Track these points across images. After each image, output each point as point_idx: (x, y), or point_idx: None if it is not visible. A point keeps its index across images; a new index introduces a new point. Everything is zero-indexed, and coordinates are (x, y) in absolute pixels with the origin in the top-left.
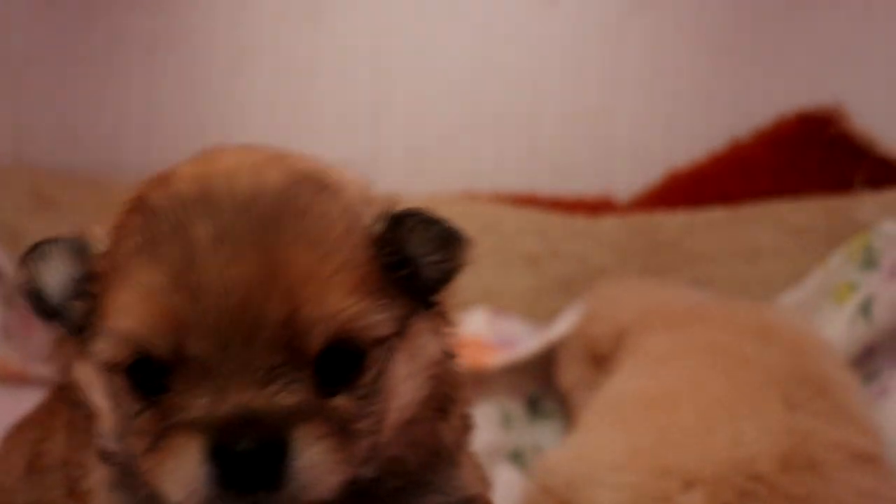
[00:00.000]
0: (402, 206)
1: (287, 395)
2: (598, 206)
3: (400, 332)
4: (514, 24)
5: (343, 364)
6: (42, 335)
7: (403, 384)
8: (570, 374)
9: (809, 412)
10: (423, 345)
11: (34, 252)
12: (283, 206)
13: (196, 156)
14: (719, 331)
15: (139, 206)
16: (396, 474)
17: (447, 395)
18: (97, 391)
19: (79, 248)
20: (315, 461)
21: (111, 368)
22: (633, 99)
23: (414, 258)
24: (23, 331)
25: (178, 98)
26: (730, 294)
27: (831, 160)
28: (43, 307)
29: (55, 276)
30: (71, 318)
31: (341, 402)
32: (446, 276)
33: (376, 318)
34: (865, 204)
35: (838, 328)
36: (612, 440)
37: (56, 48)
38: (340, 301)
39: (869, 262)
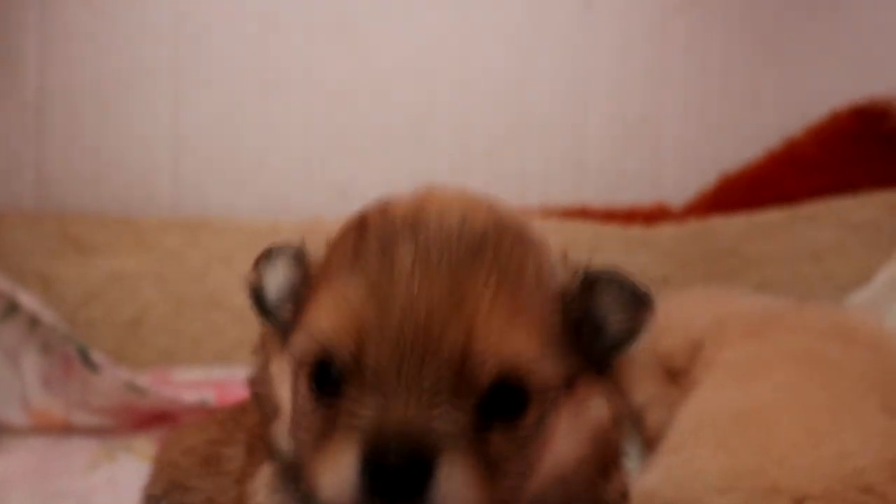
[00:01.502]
0: (596, 265)
1: (446, 421)
2: (652, 215)
3: (568, 388)
4: (553, 31)
5: (507, 404)
6: (82, 381)
7: (562, 439)
8: (642, 390)
9: None
10: (590, 406)
11: (265, 255)
12: (483, 246)
13: (417, 189)
14: (800, 337)
15: (357, 224)
16: None
17: (610, 459)
18: (285, 386)
19: (299, 256)
20: (457, 488)
21: (300, 365)
22: (680, 101)
23: (600, 318)
24: (62, 378)
25: (207, 128)
26: (795, 296)
27: (889, 154)
28: (261, 305)
29: (276, 278)
30: (282, 317)
31: (497, 439)
32: (628, 338)
33: (548, 367)
34: None
35: None
36: (711, 461)
37: (74, 84)
38: (517, 343)
39: None
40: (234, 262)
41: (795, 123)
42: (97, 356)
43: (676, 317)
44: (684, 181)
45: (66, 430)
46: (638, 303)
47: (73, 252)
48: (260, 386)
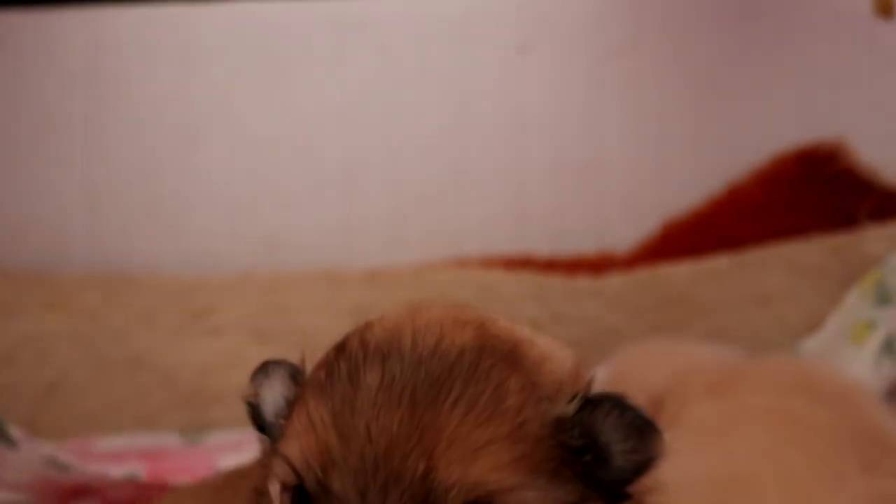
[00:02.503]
0: (598, 388)
1: None
2: (598, 264)
3: None
4: (487, 77)
5: None
6: None
7: None
8: None
9: (885, 473)
10: None
11: (261, 369)
12: (456, 370)
13: (408, 307)
14: (766, 395)
15: (337, 347)
16: None
17: None
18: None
19: (293, 373)
20: None
21: (284, 487)
22: (619, 147)
23: (604, 445)
24: None
25: (124, 179)
26: (746, 343)
27: (833, 196)
28: (258, 421)
29: (271, 394)
30: (275, 435)
31: None
32: (638, 468)
33: (528, 497)
34: (873, 238)
35: (861, 369)
36: None
37: None
38: (487, 472)
39: (883, 297)
40: (157, 320)
41: (740, 167)
42: (13, 430)
43: (633, 372)
44: (628, 228)
45: None
46: (644, 430)
47: None
48: (263, 498)
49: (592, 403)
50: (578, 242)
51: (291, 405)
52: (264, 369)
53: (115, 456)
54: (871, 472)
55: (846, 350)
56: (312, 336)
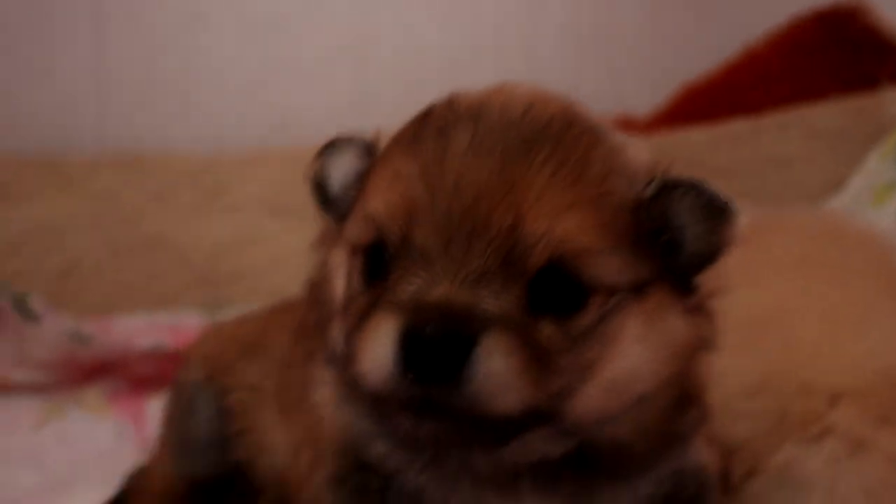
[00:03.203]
0: (675, 174)
1: (491, 301)
2: (617, 127)
3: (638, 293)
4: None
5: (561, 295)
6: (17, 335)
7: (631, 348)
8: None
9: None
10: (666, 320)
11: (329, 145)
12: (544, 133)
13: (492, 85)
14: (794, 241)
15: (422, 113)
16: (621, 461)
17: (691, 388)
18: (340, 276)
19: (367, 146)
20: (497, 371)
21: (354, 251)
22: (636, 12)
23: (678, 228)
24: None
25: (131, 64)
26: (764, 207)
27: (853, 58)
28: (323, 197)
29: (339, 168)
30: (342, 208)
31: (547, 329)
32: (709, 253)
33: (610, 264)
34: (894, 100)
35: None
36: (736, 365)
37: None
38: (572, 230)
39: None
40: (171, 200)
41: (756, 32)
42: (36, 303)
43: None
44: (644, 94)
45: (4, 389)
46: (717, 215)
47: None
48: (317, 289)
49: (669, 187)
50: (595, 108)
51: (363, 177)
52: (333, 144)
53: (138, 332)
54: None
55: (867, 212)
56: None
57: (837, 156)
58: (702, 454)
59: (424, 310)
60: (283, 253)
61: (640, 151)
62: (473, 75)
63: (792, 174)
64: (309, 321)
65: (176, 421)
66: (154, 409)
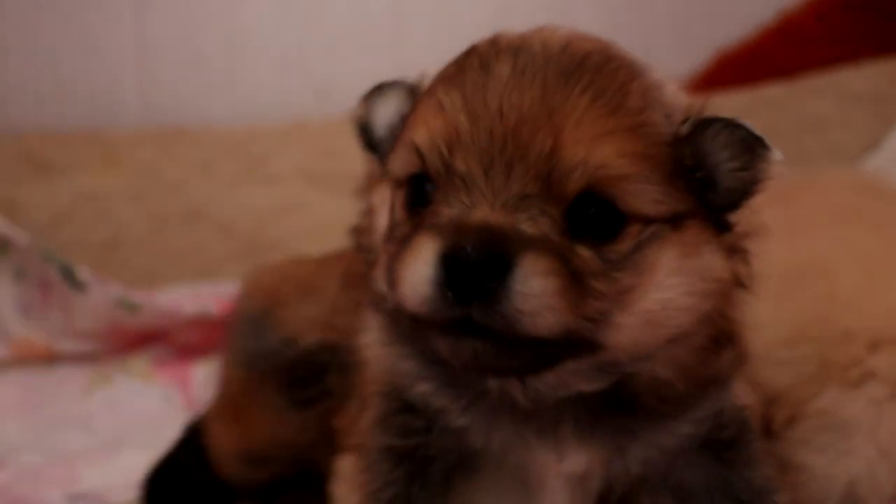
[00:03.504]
0: (710, 111)
1: (530, 224)
2: None
3: (674, 225)
4: None
5: (598, 220)
6: (63, 305)
7: (667, 277)
8: None
9: None
10: (702, 254)
11: (375, 90)
12: (583, 66)
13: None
14: (833, 197)
15: (465, 50)
16: (660, 400)
17: (728, 328)
18: (384, 211)
19: (412, 89)
20: (535, 291)
21: (397, 184)
22: None
23: (713, 165)
24: (41, 305)
25: (174, 34)
26: (800, 170)
27: (888, 21)
28: (368, 140)
29: (384, 112)
30: (387, 150)
31: (584, 253)
32: (744, 189)
33: (646, 192)
34: None
35: None
36: (775, 314)
37: None
38: (607, 156)
39: None
40: (212, 172)
41: None
42: (83, 273)
43: None
44: (679, 59)
45: (51, 358)
46: (753, 147)
47: (38, 174)
48: (362, 234)
49: (704, 125)
50: None
51: (407, 118)
52: (378, 88)
53: (183, 300)
54: None
55: None
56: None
57: (872, 118)
58: (742, 396)
59: (464, 231)
60: (323, 221)
61: (677, 91)
62: None
63: (827, 137)
64: (355, 270)
65: (242, 344)
66: (200, 374)
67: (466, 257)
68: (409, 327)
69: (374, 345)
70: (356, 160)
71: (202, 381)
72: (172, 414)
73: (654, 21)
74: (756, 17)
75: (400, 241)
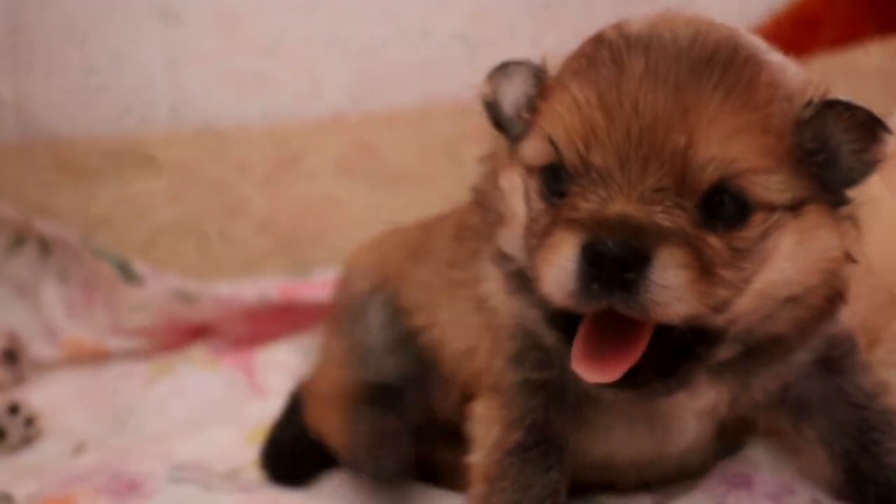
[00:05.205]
0: (831, 95)
1: (665, 217)
2: None
3: (796, 213)
4: None
5: (727, 212)
6: (108, 304)
7: (786, 262)
8: None
9: None
10: (819, 236)
11: (500, 69)
12: (713, 60)
13: (654, 14)
14: None
15: (593, 39)
16: (780, 349)
17: (838, 293)
18: (515, 197)
19: (537, 71)
20: (671, 282)
21: (531, 171)
22: None
23: (834, 147)
24: (85, 305)
25: (203, 35)
26: None
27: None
28: (496, 118)
29: (512, 91)
30: (515, 129)
31: (714, 242)
32: (863, 169)
33: (772, 182)
34: None
35: None
36: None
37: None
38: (739, 152)
39: None
40: (249, 170)
41: None
42: (140, 266)
43: None
44: None
45: (102, 357)
46: (873, 129)
47: (72, 180)
48: (484, 195)
49: (826, 107)
50: None
51: (533, 101)
52: (503, 68)
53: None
54: None
55: None
56: (405, 172)
57: (884, 95)
58: (847, 319)
59: (604, 225)
60: (360, 215)
61: (797, 71)
62: (545, 32)
63: None
64: (471, 223)
65: (348, 332)
66: (263, 359)
67: (608, 250)
68: (550, 316)
69: (497, 293)
70: (392, 153)
71: (265, 367)
72: (243, 398)
73: (670, 7)
74: (767, 3)
75: (540, 235)
